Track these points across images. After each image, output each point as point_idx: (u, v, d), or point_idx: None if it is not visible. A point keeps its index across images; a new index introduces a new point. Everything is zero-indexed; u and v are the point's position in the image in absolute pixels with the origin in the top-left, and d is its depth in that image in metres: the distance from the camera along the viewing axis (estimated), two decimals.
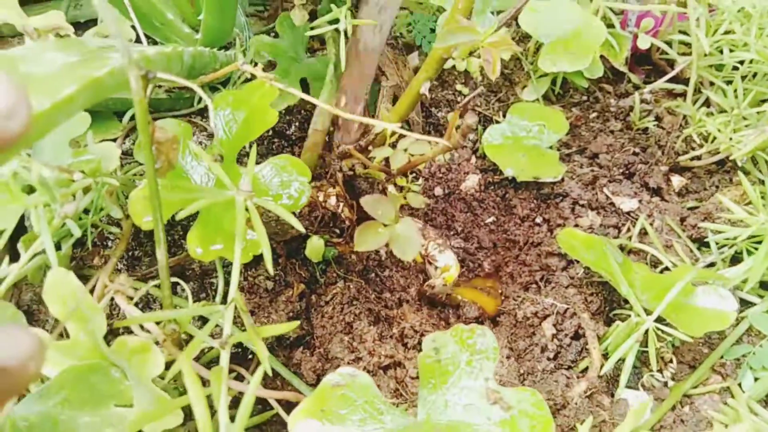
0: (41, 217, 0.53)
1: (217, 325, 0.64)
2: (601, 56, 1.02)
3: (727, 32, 0.95)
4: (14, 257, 0.60)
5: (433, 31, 0.95)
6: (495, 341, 0.46)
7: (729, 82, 0.95)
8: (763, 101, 0.91)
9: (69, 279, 0.45)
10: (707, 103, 0.98)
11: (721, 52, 0.96)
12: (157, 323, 0.52)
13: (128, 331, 0.63)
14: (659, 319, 0.60)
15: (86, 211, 0.63)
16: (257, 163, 0.61)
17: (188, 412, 0.51)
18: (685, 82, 0.99)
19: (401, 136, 0.64)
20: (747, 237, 0.68)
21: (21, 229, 0.63)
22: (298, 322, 0.49)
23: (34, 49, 0.50)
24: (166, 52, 0.55)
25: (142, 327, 0.58)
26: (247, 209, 0.48)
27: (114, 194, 0.67)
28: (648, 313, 0.58)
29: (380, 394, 0.45)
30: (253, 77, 0.56)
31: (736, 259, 0.73)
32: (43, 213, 0.53)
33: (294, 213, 0.60)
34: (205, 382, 0.56)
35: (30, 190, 0.59)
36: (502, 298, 0.82)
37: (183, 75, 0.64)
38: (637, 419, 0.40)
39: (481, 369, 0.45)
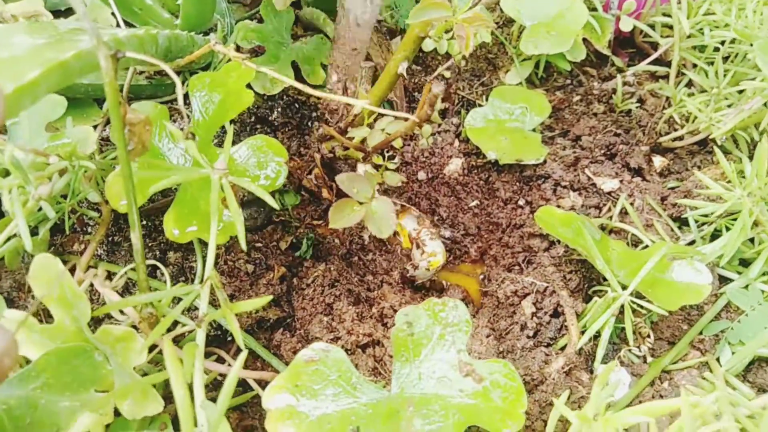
0: (15, 199, 0.52)
1: (195, 308, 0.64)
2: (585, 39, 1.02)
3: (707, 13, 0.95)
4: None
5: None
6: (467, 314, 0.46)
7: (711, 63, 0.95)
8: (745, 80, 0.91)
9: (53, 264, 0.45)
10: (690, 84, 0.98)
11: (703, 33, 0.97)
12: (135, 307, 0.52)
13: (108, 316, 0.63)
14: (637, 296, 0.60)
15: (64, 197, 0.63)
16: (234, 144, 0.61)
17: (168, 396, 0.51)
18: (668, 64, 0.99)
19: (378, 117, 0.64)
20: (724, 213, 0.69)
21: None
22: (270, 297, 0.49)
23: (1, 32, 0.49)
24: (138, 34, 0.55)
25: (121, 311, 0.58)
26: (222, 188, 0.48)
27: (92, 179, 0.67)
28: (624, 288, 0.59)
29: (354, 370, 0.45)
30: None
31: (716, 237, 0.74)
32: (17, 195, 0.53)
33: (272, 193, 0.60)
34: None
35: (5, 173, 0.59)
36: (486, 281, 0.82)
37: (159, 58, 0.64)
38: (600, 386, 0.41)
39: (454, 342, 0.45)
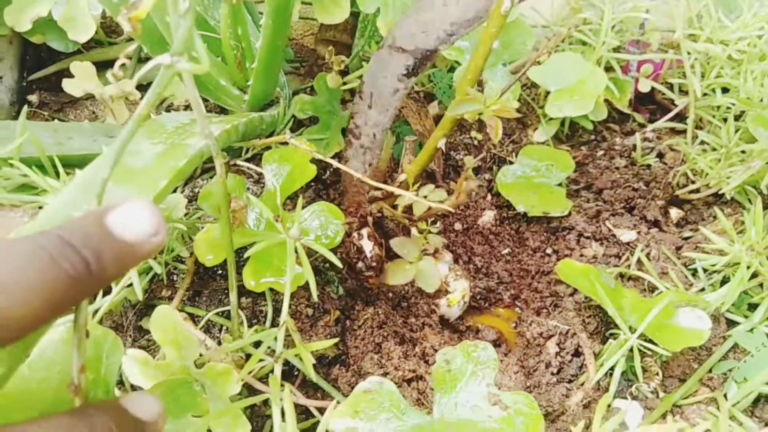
0: None
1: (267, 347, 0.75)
2: (606, 99, 1.13)
3: (718, 76, 1.05)
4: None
5: (450, 86, 1.07)
6: (495, 354, 0.56)
7: (725, 120, 1.04)
8: (755, 139, 1.00)
9: (172, 314, 0.57)
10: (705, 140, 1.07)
11: (716, 93, 1.06)
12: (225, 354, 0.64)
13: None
14: (647, 339, 0.69)
15: (161, 252, 0.76)
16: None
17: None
18: (687, 119, 1.08)
19: (423, 183, 0.76)
20: (730, 264, 0.77)
21: None
22: (336, 339, 0.60)
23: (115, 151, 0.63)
24: (227, 129, 0.68)
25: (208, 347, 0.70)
26: (296, 249, 0.60)
27: (180, 236, 0.81)
28: (632, 331, 0.68)
29: (402, 399, 0.56)
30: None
31: (725, 283, 0.82)
32: None
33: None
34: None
35: None
36: (518, 322, 0.91)
37: (238, 140, 0.78)
38: (601, 413, 0.49)
39: (484, 377, 0.55)
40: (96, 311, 0.67)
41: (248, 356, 0.72)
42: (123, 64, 0.39)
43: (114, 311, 0.81)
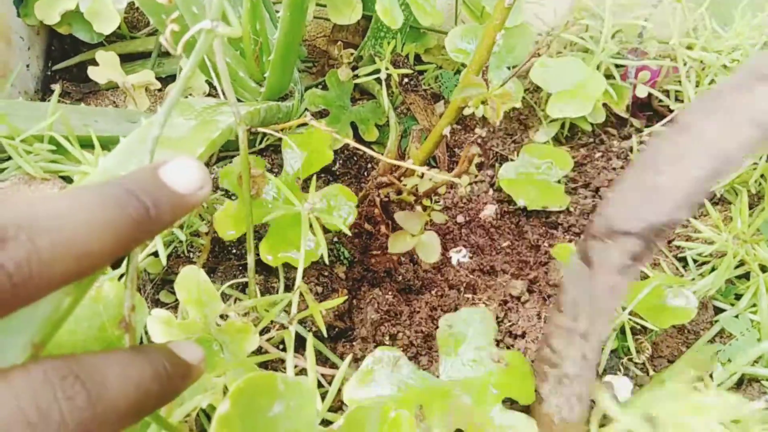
0: None
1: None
2: (605, 104, 1.18)
3: (711, 82, 1.10)
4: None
5: (456, 84, 1.12)
6: (492, 319, 0.61)
7: None
8: None
9: (197, 273, 0.62)
10: None
11: None
12: (243, 314, 0.68)
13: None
14: (638, 317, 0.73)
15: (180, 227, 0.80)
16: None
17: None
18: None
19: (428, 170, 0.81)
20: (718, 255, 0.81)
21: None
22: (346, 296, 0.64)
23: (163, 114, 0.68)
24: (250, 111, 0.73)
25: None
26: (309, 221, 0.65)
27: (197, 214, 0.85)
28: (623, 309, 0.72)
29: (411, 364, 0.60)
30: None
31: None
32: None
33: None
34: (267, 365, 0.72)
35: None
36: None
37: (258, 124, 0.83)
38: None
39: (484, 338, 0.59)
40: (121, 276, 0.72)
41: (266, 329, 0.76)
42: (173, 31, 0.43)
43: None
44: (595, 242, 0.50)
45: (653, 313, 0.71)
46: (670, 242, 0.94)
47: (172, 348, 0.44)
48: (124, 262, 0.73)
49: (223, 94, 0.89)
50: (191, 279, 0.60)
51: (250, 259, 0.65)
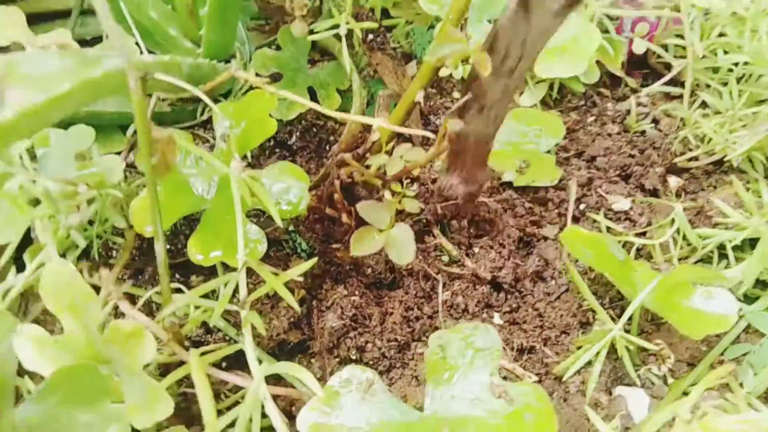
0: (46, 228, 0.54)
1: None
2: (598, 61, 1.04)
3: (720, 35, 0.96)
4: (21, 268, 0.62)
5: (430, 41, 0.97)
6: (498, 339, 0.47)
7: (725, 84, 0.96)
8: (760, 102, 0.92)
9: (64, 270, 0.47)
10: (704, 105, 0.99)
11: (716, 54, 0.97)
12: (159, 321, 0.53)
13: None
14: (653, 319, 0.61)
15: (91, 223, 0.65)
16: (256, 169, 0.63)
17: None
18: (683, 84, 1.00)
19: (396, 144, 0.66)
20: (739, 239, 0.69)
21: (28, 241, 0.65)
22: (316, 259, 0.52)
23: (35, 56, 0.52)
24: (164, 60, 0.57)
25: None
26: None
27: (118, 205, 0.69)
28: (645, 309, 0.59)
29: (386, 388, 0.46)
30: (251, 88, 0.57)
31: (722, 256, 0.74)
32: (48, 224, 0.55)
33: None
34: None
35: (36, 203, 0.61)
36: None
37: (182, 78, 0.66)
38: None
39: (485, 365, 0.46)
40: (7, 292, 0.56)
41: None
42: None
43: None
44: None
45: (682, 318, 0.58)
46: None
47: None
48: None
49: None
50: (58, 279, 0.45)
51: (159, 248, 0.50)
